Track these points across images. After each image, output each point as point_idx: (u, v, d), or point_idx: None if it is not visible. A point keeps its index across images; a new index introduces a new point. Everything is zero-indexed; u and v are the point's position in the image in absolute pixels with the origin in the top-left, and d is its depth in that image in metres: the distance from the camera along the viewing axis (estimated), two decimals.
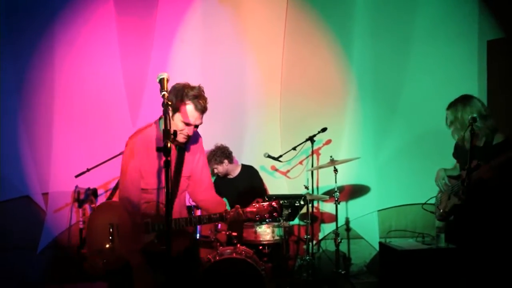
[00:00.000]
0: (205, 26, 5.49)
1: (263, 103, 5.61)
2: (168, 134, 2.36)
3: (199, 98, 2.82)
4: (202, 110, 2.83)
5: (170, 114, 2.69)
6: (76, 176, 4.62)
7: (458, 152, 3.82)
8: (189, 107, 2.81)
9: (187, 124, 2.84)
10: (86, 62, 5.29)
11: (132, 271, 2.84)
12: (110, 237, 2.92)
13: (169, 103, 2.57)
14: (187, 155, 3.04)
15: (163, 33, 5.39)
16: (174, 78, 5.19)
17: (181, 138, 2.87)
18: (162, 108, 2.52)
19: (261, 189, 5.19)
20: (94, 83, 5.29)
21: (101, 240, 2.93)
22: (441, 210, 3.77)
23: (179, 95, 2.81)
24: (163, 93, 2.58)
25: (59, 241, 5.20)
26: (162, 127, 2.52)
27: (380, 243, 4.79)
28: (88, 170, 4.61)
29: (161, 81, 2.64)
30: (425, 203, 4.21)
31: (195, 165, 3.10)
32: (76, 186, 4.99)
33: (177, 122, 2.82)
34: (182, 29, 5.46)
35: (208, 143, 5.17)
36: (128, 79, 5.36)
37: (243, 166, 5.22)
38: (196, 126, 2.90)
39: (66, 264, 5.08)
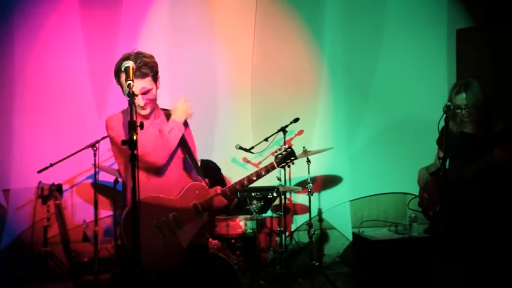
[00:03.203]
0: (173, 16, 5.31)
1: (234, 94, 5.49)
2: (134, 126, 2.22)
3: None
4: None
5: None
6: (39, 172, 4.41)
7: (450, 141, 3.61)
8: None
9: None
10: (48, 55, 5.06)
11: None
12: (162, 236, 2.75)
13: (135, 93, 2.43)
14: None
15: (129, 23, 5.19)
16: None
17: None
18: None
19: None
20: (57, 76, 5.06)
21: (150, 240, 2.72)
22: (437, 208, 3.52)
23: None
24: (129, 82, 2.43)
25: (22, 239, 4.97)
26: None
27: (353, 233, 4.78)
28: (51, 165, 4.41)
29: (126, 69, 2.49)
30: (410, 201, 4.07)
31: None
32: (40, 182, 4.78)
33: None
34: (149, 19, 5.27)
35: None
36: (93, 70, 5.15)
37: (201, 161, 5.07)
38: (145, 93, 2.76)
39: (30, 262, 4.87)
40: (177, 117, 2.93)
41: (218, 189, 2.91)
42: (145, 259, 2.69)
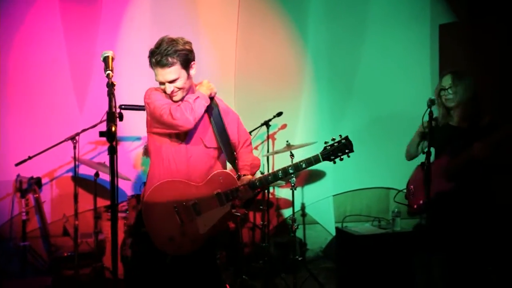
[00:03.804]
0: (155, 9, 5.22)
1: (216, 88, 5.40)
2: (113, 117, 2.15)
3: (153, 55, 2.67)
4: (158, 63, 2.64)
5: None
6: (17, 165, 4.31)
7: (435, 133, 3.43)
8: (154, 67, 2.69)
9: (161, 83, 2.72)
10: (28, 48, 4.95)
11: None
12: (180, 221, 2.68)
13: (114, 83, 2.38)
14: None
15: (109, 17, 5.09)
16: (123, 61, 5.01)
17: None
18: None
19: None
20: (37, 69, 4.95)
21: (168, 225, 2.68)
22: (421, 202, 3.37)
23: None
24: (108, 72, 2.37)
25: (1, 233, 4.86)
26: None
27: (336, 228, 4.76)
28: (29, 158, 4.31)
29: (106, 59, 2.41)
30: (396, 194, 4.00)
31: None
32: (18, 175, 4.68)
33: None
34: (130, 12, 5.17)
35: None
36: (74, 64, 5.05)
37: None
38: (172, 82, 2.69)
39: (8, 257, 4.76)
40: (203, 90, 2.84)
41: (246, 179, 2.79)
42: (161, 241, 2.69)
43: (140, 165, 5.19)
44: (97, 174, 4.45)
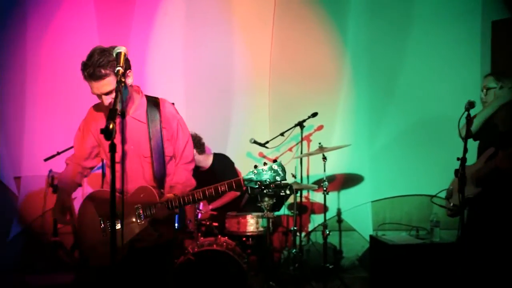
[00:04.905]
0: (189, 5, 5.17)
1: (251, 87, 5.31)
2: (114, 114, 2.05)
3: (85, 68, 2.51)
4: (91, 76, 2.49)
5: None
6: (45, 160, 4.33)
7: (482, 133, 3.33)
8: (88, 81, 2.55)
9: (98, 96, 2.60)
10: (61, 41, 5.00)
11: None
12: (102, 231, 2.70)
13: (123, 80, 2.30)
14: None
15: (143, 11, 5.07)
16: (155, 56, 4.96)
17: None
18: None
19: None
20: (69, 63, 4.90)
21: (93, 234, 2.70)
22: (452, 204, 3.32)
23: None
24: (118, 68, 2.32)
25: (32, 228, 4.94)
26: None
27: (371, 236, 4.53)
28: (58, 153, 4.31)
29: (118, 55, 2.41)
30: (435, 196, 3.74)
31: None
32: (50, 170, 4.70)
33: None
34: (164, 7, 5.14)
35: (192, 127, 4.87)
36: None
37: (215, 155, 4.84)
38: (109, 93, 2.53)
39: (38, 252, 4.82)
40: None
41: (165, 197, 2.65)
42: (85, 249, 2.75)
43: None
44: None
